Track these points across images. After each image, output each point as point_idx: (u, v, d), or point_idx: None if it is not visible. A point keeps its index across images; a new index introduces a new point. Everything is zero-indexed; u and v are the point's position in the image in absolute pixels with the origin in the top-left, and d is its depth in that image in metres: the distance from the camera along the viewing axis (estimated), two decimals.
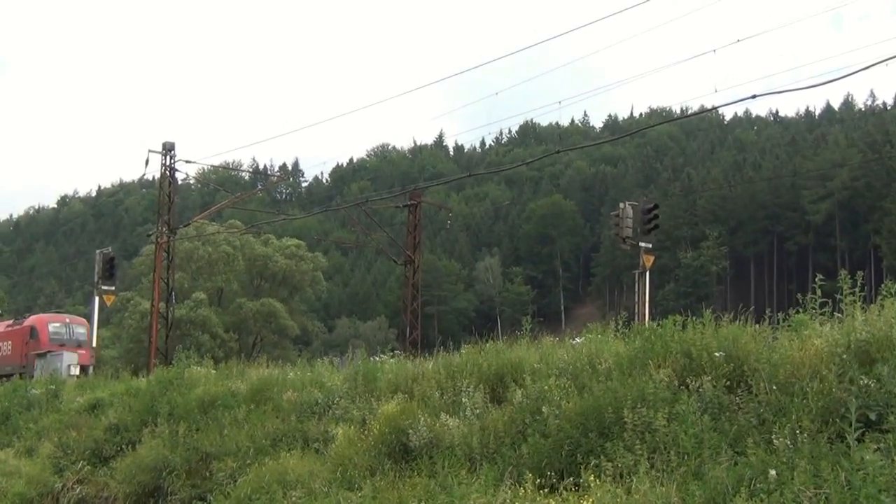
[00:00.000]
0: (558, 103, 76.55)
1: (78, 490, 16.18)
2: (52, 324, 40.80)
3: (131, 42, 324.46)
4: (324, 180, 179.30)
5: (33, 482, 16.92)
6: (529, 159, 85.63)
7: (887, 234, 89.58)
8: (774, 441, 7.33)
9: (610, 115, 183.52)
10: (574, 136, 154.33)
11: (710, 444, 7.77)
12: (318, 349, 75.06)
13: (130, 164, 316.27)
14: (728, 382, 8.72)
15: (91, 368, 34.98)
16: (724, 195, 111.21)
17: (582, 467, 8.42)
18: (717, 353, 9.09)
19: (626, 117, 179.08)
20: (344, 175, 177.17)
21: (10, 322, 43.85)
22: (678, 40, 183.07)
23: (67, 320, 42.57)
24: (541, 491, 8.32)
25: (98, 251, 36.42)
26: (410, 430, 10.72)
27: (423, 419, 10.78)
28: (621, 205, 26.74)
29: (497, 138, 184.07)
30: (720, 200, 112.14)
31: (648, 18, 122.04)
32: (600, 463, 8.26)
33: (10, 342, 40.98)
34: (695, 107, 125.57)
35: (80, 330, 41.11)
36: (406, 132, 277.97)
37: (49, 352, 36.46)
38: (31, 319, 42.27)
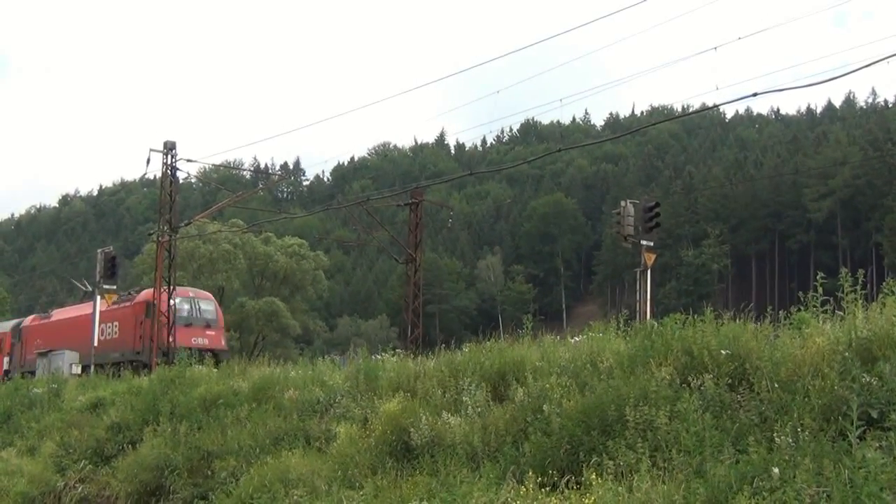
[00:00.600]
0: (559, 101, 76.58)
1: (80, 489, 16.20)
2: (174, 299, 32.27)
3: (133, 41, 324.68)
4: (325, 179, 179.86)
5: (35, 481, 16.95)
6: (531, 158, 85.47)
7: (889, 232, 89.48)
8: (776, 439, 7.32)
9: (611, 114, 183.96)
10: (575, 135, 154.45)
11: (712, 442, 7.76)
12: (320, 348, 75.13)
13: (132, 163, 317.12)
14: (730, 380, 8.72)
15: (221, 355, 29.40)
16: (725, 193, 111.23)
17: (584, 465, 8.42)
18: (722, 351, 9.07)
19: (627, 115, 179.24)
20: (345, 174, 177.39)
21: (115, 298, 37.53)
22: (679, 38, 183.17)
23: (191, 294, 34.81)
24: (542, 489, 8.31)
25: (99, 250, 35.59)
26: (412, 429, 10.71)
27: (424, 418, 10.77)
28: (622, 203, 26.61)
29: (498, 137, 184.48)
30: (721, 198, 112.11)
31: (649, 16, 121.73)
32: (602, 461, 8.26)
33: (116, 323, 34.67)
34: (696, 105, 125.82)
35: (208, 307, 34.92)
36: (407, 131, 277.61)
37: (51, 350, 35.82)
38: (146, 294, 34.61)
